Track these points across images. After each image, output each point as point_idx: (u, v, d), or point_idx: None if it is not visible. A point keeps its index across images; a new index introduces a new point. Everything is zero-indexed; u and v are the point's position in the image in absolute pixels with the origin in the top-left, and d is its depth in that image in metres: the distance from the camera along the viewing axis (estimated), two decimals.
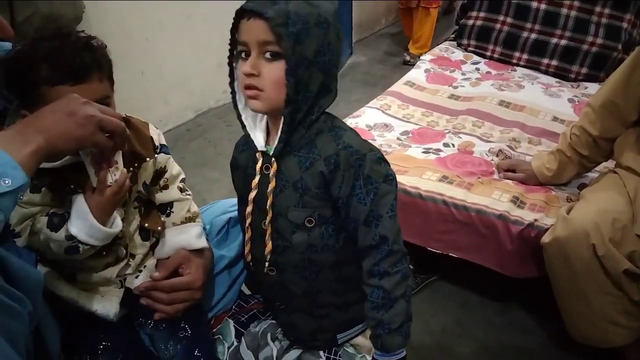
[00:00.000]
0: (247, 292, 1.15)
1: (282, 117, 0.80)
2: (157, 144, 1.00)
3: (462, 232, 1.54)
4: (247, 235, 0.91)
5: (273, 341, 1.00)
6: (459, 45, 2.62)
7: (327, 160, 0.81)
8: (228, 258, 1.11)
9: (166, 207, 1.02)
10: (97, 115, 0.75)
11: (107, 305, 0.92)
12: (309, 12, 0.76)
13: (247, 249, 0.92)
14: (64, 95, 0.79)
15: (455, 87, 2.27)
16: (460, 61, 2.51)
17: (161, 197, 1.01)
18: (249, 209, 0.88)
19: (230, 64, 0.84)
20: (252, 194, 0.87)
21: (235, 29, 0.80)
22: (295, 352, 0.98)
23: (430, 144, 1.82)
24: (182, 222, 1.01)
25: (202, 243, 1.02)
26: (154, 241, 1.01)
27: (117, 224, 0.87)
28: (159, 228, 0.99)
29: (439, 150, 1.78)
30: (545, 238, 1.34)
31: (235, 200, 1.03)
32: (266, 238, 0.87)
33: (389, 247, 0.83)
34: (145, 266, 0.99)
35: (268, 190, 0.84)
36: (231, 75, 0.85)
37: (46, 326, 0.86)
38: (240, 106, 0.86)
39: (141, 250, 0.98)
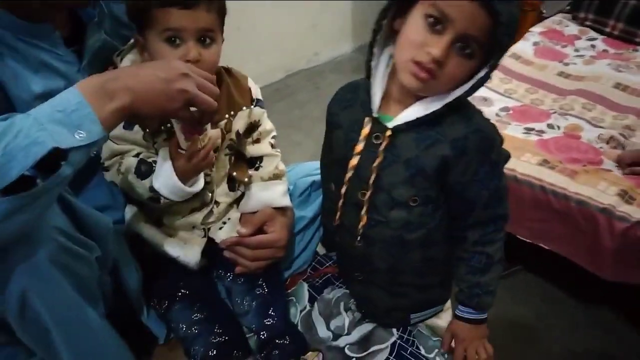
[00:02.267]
0: (322, 252, 1.13)
1: (436, 108, 0.74)
2: (254, 97, 1.01)
3: (557, 222, 1.44)
4: (340, 202, 0.86)
5: (346, 311, 0.99)
6: (575, 18, 2.39)
7: (453, 144, 0.75)
8: (307, 219, 1.10)
9: (256, 161, 1.03)
10: (191, 92, 0.73)
11: (189, 252, 0.94)
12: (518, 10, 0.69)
13: (337, 215, 0.88)
14: (171, 17, 0.81)
15: (567, 64, 2.09)
16: (574, 36, 2.30)
17: (252, 150, 1.02)
18: (349, 175, 0.82)
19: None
20: (354, 161, 0.81)
21: None
22: (367, 326, 0.96)
23: (532, 124, 1.70)
24: (269, 178, 1.01)
25: (286, 201, 1.02)
26: (239, 194, 1.02)
27: (199, 184, 0.89)
28: (246, 180, 1.00)
29: (542, 131, 1.66)
30: None
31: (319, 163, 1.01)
32: (362, 212, 0.83)
33: (505, 221, 0.84)
34: (229, 219, 1.00)
35: (374, 165, 0.78)
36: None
37: (126, 267, 0.90)
38: (376, 49, 0.77)
39: (226, 199, 1.00)
